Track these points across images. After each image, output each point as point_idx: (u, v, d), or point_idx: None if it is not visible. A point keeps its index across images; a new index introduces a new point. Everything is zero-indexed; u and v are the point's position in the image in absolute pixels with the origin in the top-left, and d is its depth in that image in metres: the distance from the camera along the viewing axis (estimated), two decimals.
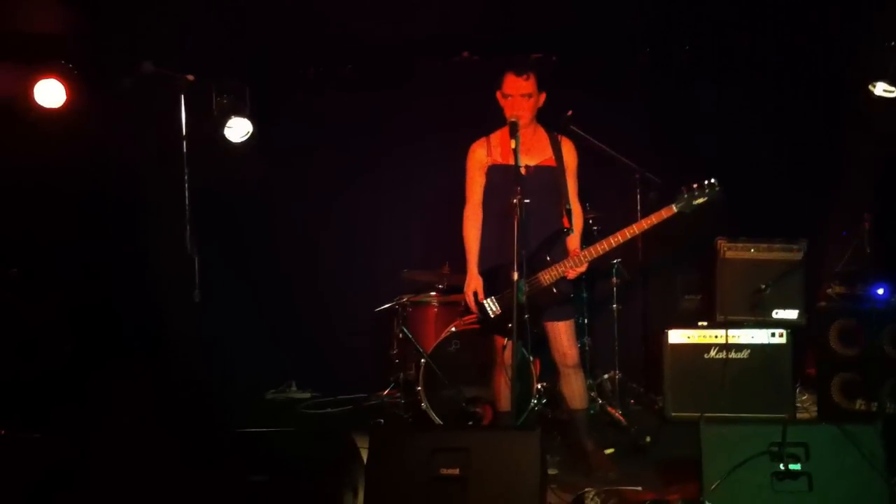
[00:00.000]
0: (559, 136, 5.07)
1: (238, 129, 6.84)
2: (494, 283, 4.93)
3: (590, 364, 6.32)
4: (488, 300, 4.96)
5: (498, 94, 4.92)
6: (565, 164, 5.01)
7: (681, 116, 6.86)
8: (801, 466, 3.86)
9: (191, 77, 5.66)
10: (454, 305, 5.91)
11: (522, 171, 4.67)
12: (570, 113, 5.97)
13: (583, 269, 4.83)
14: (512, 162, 4.73)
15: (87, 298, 6.30)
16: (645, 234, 6.16)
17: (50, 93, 6.08)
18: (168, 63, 5.70)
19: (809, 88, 6.66)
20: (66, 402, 5.81)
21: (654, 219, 4.75)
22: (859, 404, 5.61)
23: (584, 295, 6.37)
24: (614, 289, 6.39)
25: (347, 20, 6.39)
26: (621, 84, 6.98)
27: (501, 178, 4.90)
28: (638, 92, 6.98)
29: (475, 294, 4.97)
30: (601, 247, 4.76)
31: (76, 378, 6.02)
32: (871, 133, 6.35)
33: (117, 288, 6.40)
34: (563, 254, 4.88)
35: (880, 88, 6.07)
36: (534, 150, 4.94)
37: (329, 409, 6.83)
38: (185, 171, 5.68)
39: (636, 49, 6.91)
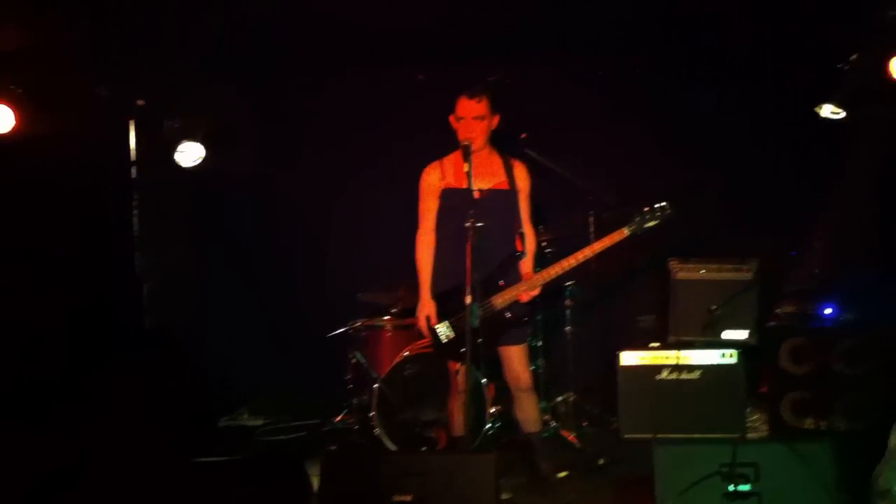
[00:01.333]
0: (512, 160, 5.09)
1: (189, 154, 6.78)
2: (448, 307, 4.91)
3: (544, 386, 6.32)
4: (441, 325, 4.94)
5: (451, 118, 4.93)
6: (518, 187, 5.02)
7: (633, 139, 6.90)
8: (752, 486, 3.89)
9: (141, 102, 5.60)
10: (409, 329, 5.88)
11: (476, 194, 4.68)
12: (523, 136, 6.00)
13: (536, 292, 4.85)
14: (465, 185, 4.76)
15: (26, 327, 6.18)
16: (599, 256, 6.28)
17: None
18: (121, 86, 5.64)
19: (758, 112, 6.73)
20: None
21: (606, 241, 4.79)
22: (809, 423, 5.67)
23: (539, 317, 6.38)
24: (568, 311, 6.40)
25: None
26: (576, 105, 7.01)
27: (455, 201, 4.90)
28: (592, 113, 7.01)
29: (428, 319, 4.96)
30: (554, 270, 4.79)
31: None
32: (819, 156, 6.45)
33: (64, 318, 6.29)
34: (517, 277, 4.89)
35: (827, 110, 6.17)
36: (487, 174, 4.93)
37: (282, 436, 6.76)
38: (134, 196, 5.62)
39: (592, 69, 6.94)
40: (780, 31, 6.19)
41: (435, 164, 5.08)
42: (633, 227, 4.77)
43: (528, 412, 5.08)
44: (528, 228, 5.05)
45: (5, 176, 6.10)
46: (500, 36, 6.36)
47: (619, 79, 6.97)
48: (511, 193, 4.99)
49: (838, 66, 6.09)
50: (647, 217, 4.76)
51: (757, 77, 6.67)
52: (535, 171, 5.37)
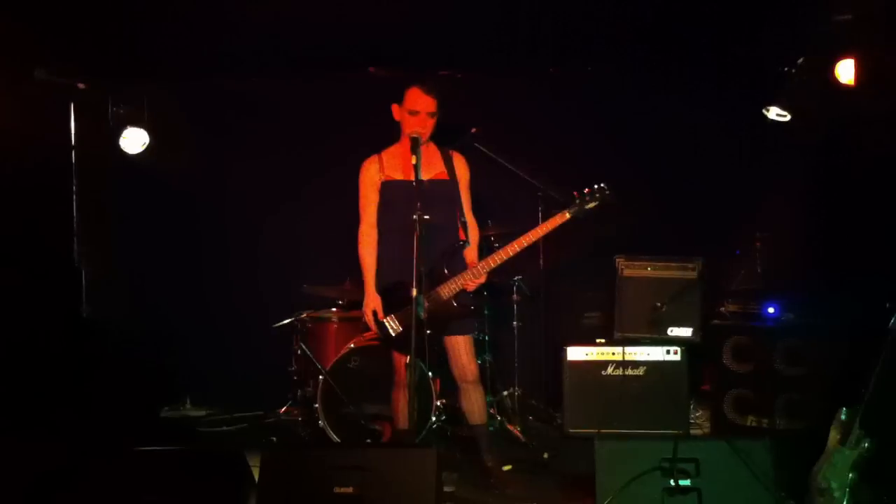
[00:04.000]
0: (450, 151, 5.07)
1: (134, 140, 6.68)
2: (394, 299, 4.88)
3: (490, 380, 6.33)
4: (388, 318, 4.90)
5: (395, 107, 4.88)
6: (458, 177, 5.01)
7: (584, 132, 6.92)
8: (692, 482, 3.92)
9: (82, 85, 5.48)
10: (355, 321, 5.86)
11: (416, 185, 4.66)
12: (474, 130, 5.99)
13: (482, 280, 4.84)
14: (406, 177, 4.81)
15: None
16: (546, 252, 6.31)
17: None
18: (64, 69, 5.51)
19: (704, 111, 6.78)
20: None
21: (548, 225, 4.80)
22: (751, 420, 5.73)
23: (486, 312, 6.38)
24: (515, 305, 6.41)
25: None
26: (524, 102, 7.03)
27: (396, 193, 4.88)
28: (540, 110, 7.03)
29: (374, 313, 4.93)
30: (499, 256, 4.77)
31: None
32: (762, 155, 6.53)
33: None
34: (462, 266, 4.88)
35: (773, 113, 6.25)
36: (427, 165, 4.89)
37: (224, 427, 6.69)
38: (73, 181, 5.50)
39: (539, 62, 6.95)
40: (727, 33, 6.24)
41: (373, 157, 5.04)
42: (574, 210, 4.79)
43: (474, 404, 5.07)
44: (470, 218, 5.05)
45: None
46: (444, 36, 6.35)
47: (565, 78, 7.00)
48: (452, 183, 4.98)
49: (785, 69, 6.16)
50: (588, 198, 4.77)
51: (703, 77, 6.72)
52: (483, 167, 5.38)
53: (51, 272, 5.85)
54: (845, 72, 5.61)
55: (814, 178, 6.16)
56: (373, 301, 4.94)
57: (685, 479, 3.91)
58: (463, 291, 4.84)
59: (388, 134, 5.02)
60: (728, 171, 6.73)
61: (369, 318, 4.95)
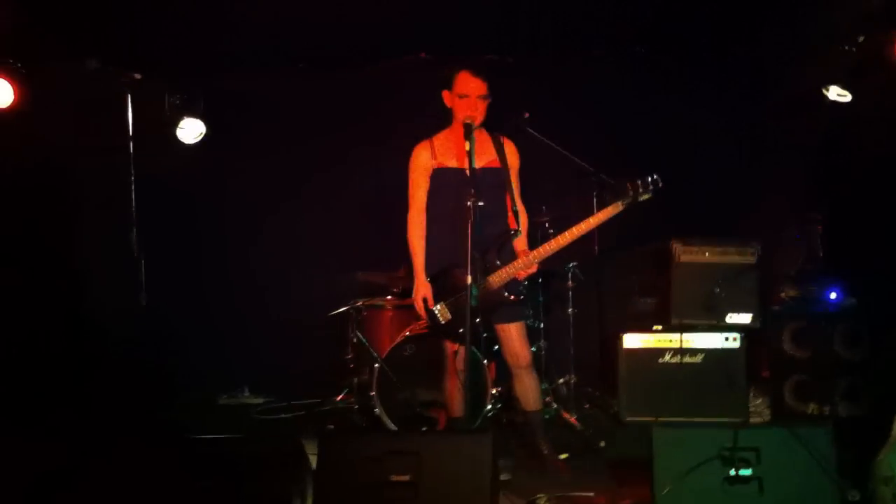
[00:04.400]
0: (501, 137, 5.03)
1: (191, 131, 6.74)
2: (444, 287, 4.89)
3: (545, 368, 6.31)
4: (438, 306, 4.90)
5: (445, 94, 4.87)
6: (509, 164, 4.98)
7: (635, 118, 6.86)
8: (752, 471, 3.87)
9: (138, 75, 5.54)
10: (409, 309, 5.82)
11: (468, 173, 4.65)
12: (526, 115, 5.93)
13: (533, 269, 4.81)
14: (456, 164, 4.83)
15: (30, 300, 6.16)
16: (600, 238, 6.25)
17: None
18: (117, 61, 5.57)
19: (760, 94, 6.69)
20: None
21: (601, 216, 4.76)
22: (812, 407, 5.64)
23: (540, 299, 6.35)
24: (570, 292, 6.37)
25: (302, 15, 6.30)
26: (576, 86, 6.97)
27: (448, 181, 4.87)
28: (593, 94, 6.97)
29: (424, 300, 4.92)
30: (549, 246, 4.74)
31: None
32: (821, 137, 6.40)
33: (62, 292, 6.26)
34: (512, 255, 4.85)
35: (833, 93, 6.11)
36: (479, 152, 4.85)
37: (283, 415, 6.75)
38: (132, 172, 5.56)
39: (591, 50, 6.90)
40: (783, 14, 6.13)
41: (425, 143, 5.02)
42: (627, 201, 4.73)
43: (528, 390, 5.06)
44: (520, 205, 5.02)
45: (4, 150, 6.07)
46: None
47: (615, 64, 6.93)
48: (503, 171, 4.95)
49: (845, 47, 6.02)
50: (641, 190, 4.71)
51: (761, 59, 6.62)
52: (536, 152, 5.34)
53: (112, 262, 5.95)
54: None
55: (876, 159, 6.02)
56: (423, 288, 4.94)
57: (746, 468, 3.86)
58: (513, 280, 4.82)
59: (437, 120, 5.00)
60: (785, 153, 6.63)
61: (419, 306, 4.95)
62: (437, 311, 4.90)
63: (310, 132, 7.19)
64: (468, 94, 4.79)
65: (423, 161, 4.97)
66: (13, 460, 4.03)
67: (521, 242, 4.93)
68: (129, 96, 5.54)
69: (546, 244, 4.76)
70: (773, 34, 6.16)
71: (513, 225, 4.91)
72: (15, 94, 5.94)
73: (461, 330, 4.57)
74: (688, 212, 6.44)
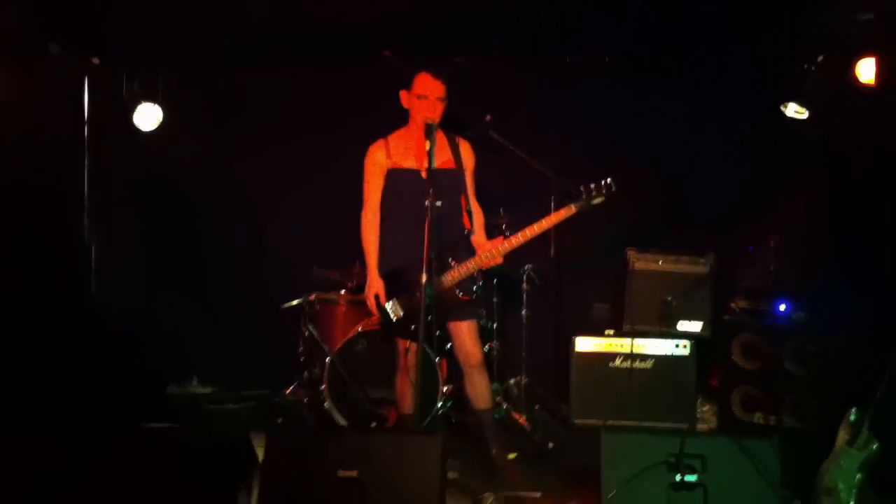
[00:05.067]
0: (457, 138, 5.06)
1: (148, 117, 6.66)
2: (396, 285, 4.90)
3: (497, 368, 6.31)
4: (390, 303, 4.91)
5: (403, 94, 4.88)
6: (464, 165, 5.00)
7: (596, 127, 6.88)
8: (698, 478, 3.90)
9: (96, 60, 5.46)
10: (363, 305, 5.81)
11: (423, 174, 4.66)
12: (489, 118, 5.95)
13: (499, 261, 4.83)
14: (412, 164, 4.87)
15: None
16: (557, 241, 6.28)
17: None
18: (79, 45, 5.47)
19: (720, 107, 6.74)
20: None
21: (554, 218, 4.79)
22: (758, 417, 5.71)
23: (494, 299, 6.36)
24: (524, 294, 6.39)
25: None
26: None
27: (403, 181, 4.89)
28: (555, 99, 6.99)
29: (377, 297, 4.92)
30: (514, 240, 4.77)
31: None
32: (779, 153, 6.48)
33: (6, 277, 6.14)
34: (465, 255, 4.87)
35: (791, 109, 6.21)
36: (435, 153, 4.82)
37: (230, 406, 6.68)
38: (86, 157, 5.47)
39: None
40: (745, 30, 6.19)
41: (380, 142, 5.03)
42: (580, 204, 4.77)
43: (479, 389, 5.07)
44: (475, 204, 5.04)
45: None
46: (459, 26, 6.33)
47: (579, 71, 6.95)
48: (458, 171, 4.97)
49: (804, 66, 6.11)
50: (594, 194, 4.76)
51: (720, 73, 6.68)
52: (496, 155, 5.35)
53: (62, 247, 5.84)
54: (866, 71, 5.56)
55: (828, 177, 6.11)
56: (375, 284, 4.94)
57: (691, 474, 3.89)
58: (465, 280, 4.84)
59: (397, 121, 4.99)
60: (742, 166, 6.70)
61: (371, 302, 4.96)
62: (388, 308, 4.90)
63: (270, 127, 7.13)
64: (427, 95, 4.81)
65: (378, 160, 4.97)
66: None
67: (479, 238, 4.95)
68: (87, 81, 5.43)
69: (511, 237, 4.78)
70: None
71: (467, 226, 4.92)
72: None
73: (412, 327, 4.59)
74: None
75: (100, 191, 5.55)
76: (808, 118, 6.20)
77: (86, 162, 5.46)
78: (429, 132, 4.63)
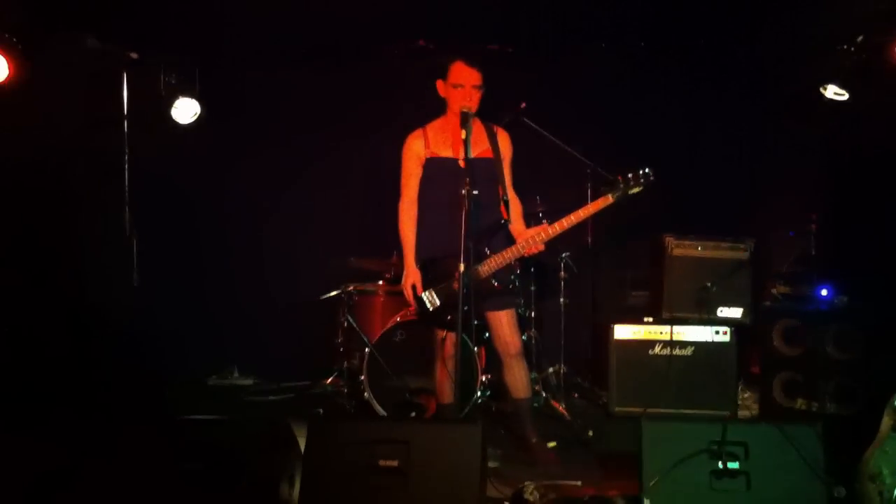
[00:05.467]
0: (494, 127, 5.04)
1: (185, 110, 6.70)
2: (433, 275, 4.90)
3: (535, 357, 6.31)
4: (426, 293, 4.91)
5: (440, 83, 4.87)
6: (502, 154, 4.98)
7: (633, 113, 6.86)
8: (740, 465, 3.87)
9: (135, 54, 5.50)
10: (401, 295, 5.81)
11: (461, 163, 4.65)
12: (523, 105, 5.93)
13: (541, 247, 4.80)
14: (450, 153, 4.86)
15: (19, 280, 6.13)
16: (594, 229, 6.26)
17: None
18: (113, 39, 5.53)
19: (760, 90, 6.69)
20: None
21: (591, 208, 4.78)
22: (800, 403, 5.65)
23: (532, 288, 6.36)
24: (562, 282, 6.37)
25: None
26: (575, 78, 6.96)
27: (440, 170, 4.88)
28: (591, 87, 6.96)
29: (413, 287, 4.93)
30: (553, 229, 4.74)
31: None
32: (818, 136, 6.41)
33: (52, 269, 6.22)
34: (502, 244, 4.86)
35: (831, 91, 6.12)
36: (473, 142, 4.83)
37: (271, 397, 6.75)
38: (126, 151, 5.53)
39: (591, 44, 6.89)
40: (785, 10, 6.13)
41: (418, 131, 5.02)
42: (617, 194, 4.75)
43: (518, 378, 5.06)
44: (512, 194, 5.01)
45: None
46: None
47: (616, 56, 6.92)
48: (495, 161, 4.95)
49: (843, 46, 6.03)
50: (632, 183, 4.74)
51: (760, 55, 6.61)
52: (532, 143, 5.33)
53: (104, 241, 5.89)
54: None
55: (871, 160, 6.03)
56: (412, 275, 4.95)
57: (733, 461, 3.87)
58: (502, 269, 4.82)
59: (436, 107, 4.99)
60: (781, 151, 6.64)
61: (408, 293, 4.96)
62: (425, 298, 4.91)
63: (307, 118, 7.18)
64: (463, 84, 4.79)
65: (416, 150, 4.97)
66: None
67: (517, 226, 4.93)
68: (126, 75, 5.48)
69: (550, 226, 4.76)
70: (773, 34, 6.15)
71: (504, 215, 4.91)
72: (10, 68, 5.88)
73: (449, 317, 4.59)
74: (686, 209, 6.45)
75: (141, 185, 5.60)
76: (847, 99, 6.10)
77: (126, 156, 5.50)
78: (465, 121, 4.63)
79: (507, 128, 5.12)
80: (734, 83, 6.74)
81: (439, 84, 4.88)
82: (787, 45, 6.26)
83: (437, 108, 4.98)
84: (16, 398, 5.49)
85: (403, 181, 5.02)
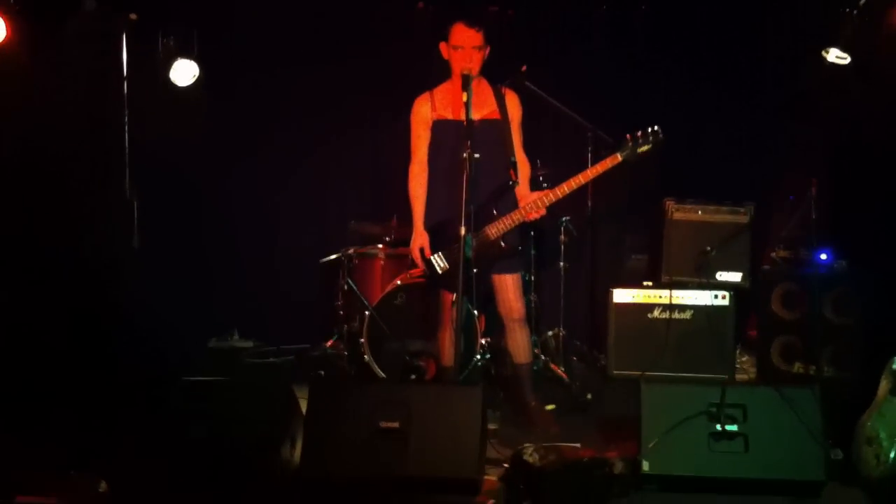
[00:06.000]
0: (503, 89, 5.03)
1: (184, 73, 6.65)
2: (441, 238, 4.91)
3: (535, 321, 6.31)
4: (435, 256, 4.93)
5: (443, 45, 4.85)
6: (510, 116, 4.97)
7: (634, 77, 6.83)
8: (738, 427, 3.91)
9: (133, 16, 5.47)
10: (401, 258, 5.86)
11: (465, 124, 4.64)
12: (524, 68, 5.89)
13: (543, 212, 4.81)
14: (456, 116, 4.84)
15: (18, 240, 6.13)
16: (594, 193, 6.25)
17: None
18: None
19: (761, 54, 6.66)
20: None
21: (599, 168, 4.77)
22: (797, 367, 5.68)
23: (532, 252, 6.36)
24: (562, 246, 6.37)
25: None
26: (575, 41, 6.92)
27: (447, 133, 4.87)
28: (592, 50, 6.92)
29: (422, 250, 4.93)
30: (558, 192, 4.75)
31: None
32: (820, 101, 6.38)
33: (51, 231, 6.22)
34: (510, 206, 4.86)
35: (833, 55, 6.08)
36: (479, 104, 4.86)
37: (271, 359, 6.78)
38: (126, 113, 5.51)
39: (592, 7, 6.85)
40: None
41: (425, 94, 5.02)
42: (626, 153, 4.74)
43: (520, 343, 5.09)
44: (520, 156, 5.01)
45: None
46: None
47: (617, 19, 6.87)
48: (503, 123, 4.94)
49: (846, 10, 5.99)
50: (641, 142, 4.73)
51: (762, 21, 6.58)
52: (533, 105, 5.31)
53: (105, 203, 5.88)
54: None
55: (872, 125, 6.01)
56: (420, 238, 4.96)
57: (732, 424, 3.90)
58: (510, 231, 4.83)
59: (440, 72, 4.97)
60: (781, 115, 6.62)
61: (416, 255, 4.97)
62: (434, 261, 4.92)
63: (306, 81, 7.10)
64: (463, 46, 4.77)
65: (423, 113, 4.97)
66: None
67: (522, 189, 4.92)
68: (125, 37, 5.45)
69: (554, 189, 4.76)
70: None
71: (512, 176, 4.90)
72: (7, 29, 5.84)
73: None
74: (688, 175, 6.44)
75: (141, 147, 5.58)
76: (849, 63, 6.07)
77: (125, 120, 5.48)
78: (465, 83, 4.60)
79: (512, 88, 5.10)
80: (744, 48, 6.68)
81: (442, 46, 4.86)
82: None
83: (439, 71, 4.96)
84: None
85: (413, 144, 5.02)
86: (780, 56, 6.65)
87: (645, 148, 4.73)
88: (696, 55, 6.79)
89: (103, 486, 3.71)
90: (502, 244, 4.84)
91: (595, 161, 6.02)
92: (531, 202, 4.78)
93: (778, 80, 6.65)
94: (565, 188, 4.75)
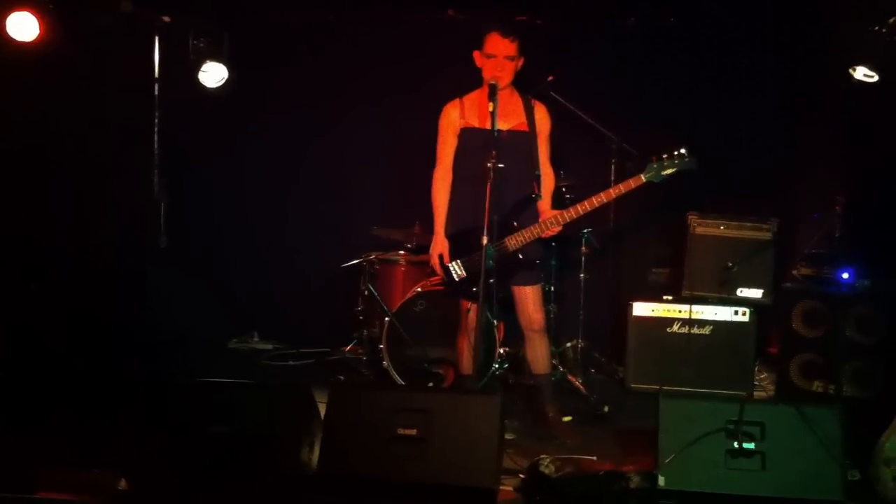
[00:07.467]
0: (533, 101, 5.03)
1: (213, 75, 6.68)
2: (461, 246, 4.92)
3: (554, 331, 6.32)
4: (454, 263, 4.94)
5: (476, 54, 4.86)
6: (538, 129, 4.97)
7: (660, 90, 6.81)
8: (756, 445, 3.89)
9: (167, 18, 5.52)
10: (422, 265, 5.88)
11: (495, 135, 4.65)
12: (550, 78, 5.93)
13: (559, 229, 4.82)
14: (484, 125, 4.82)
15: (48, 238, 6.20)
16: (617, 205, 6.24)
17: (23, 26, 5.88)
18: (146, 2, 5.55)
19: (787, 70, 6.63)
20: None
21: (622, 187, 4.77)
22: (817, 385, 5.64)
23: (553, 262, 6.36)
24: (583, 258, 6.37)
25: None
26: (602, 53, 6.92)
27: (474, 141, 4.88)
28: (618, 62, 6.92)
29: (440, 257, 4.95)
30: (576, 210, 4.76)
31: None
32: (845, 117, 6.35)
33: (81, 229, 6.29)
34: (531, 219, 4.87)
35: (860, 73, 6.05)
36: (508, 114, 4.88)
37: (291, 362, 6.81)
38: (156, 114, 5.57)
39: (619, 18, 6.84)
40: None
41: (455, 101, 5.04)
42: (650, 174, 4.74)
43: (539, 353, 5.10)
44: (546, 169, 5.02)
45: (29, 84, 6.06)
46: None
47: (646, 32, 6.87)
48: (531, 135, 4.95)
49: (874, 28, 5.96)
50: (666, 164, 4.71)
51: (787, 36, 6.55)
52: (558, 116, 5.32)
53: (133, 203, 5.93)
54: None
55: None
56: (440, 245, 4.98)
57: (749, 442, 3.89)
58: (530, 244, 4.84)
59: (469, 79, 4.99)
60: (807, 132, 6.59)
61: (435, 262, 4.99)
62: (452, 268, 4.93)
63: (333, 86, 7.13)
64: (496, 55, 4.79)
65: (452, 119, 4.99)
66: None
67: (544, 204, 4.94)
68: (157, 38, 5.51)
69: (573, 207, 4.77)
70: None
71: (535, 190, 4.91)
72: (41, 28, 5.90)
73: (475, 288, 4.61)
74: (712, 188, 6.41)
75: (169, 148, 5.64)
76: (877, 81, 6.04)
77: (156, 119, 5.54)
78: (492, 93, 4.60)
79: (540, 100, 5.11)
80: (769, 63, 6.66)
81: (476, 55, 4.87)
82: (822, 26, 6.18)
83: (466, 79, 4.97)
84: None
85: (439, 149, 5.04)
86: (810, 69, 6.61)
87: (670, 170, 4.72)
88: (723, 67, 6.76)
89: (123, 483, 3.74)
90: (520, 256, 4.85)
91: (618, 173, 6.11)
92: (549, 219, 4.79)
93: (815, 95, 6.59)
94: (587, 205, 4.75)
